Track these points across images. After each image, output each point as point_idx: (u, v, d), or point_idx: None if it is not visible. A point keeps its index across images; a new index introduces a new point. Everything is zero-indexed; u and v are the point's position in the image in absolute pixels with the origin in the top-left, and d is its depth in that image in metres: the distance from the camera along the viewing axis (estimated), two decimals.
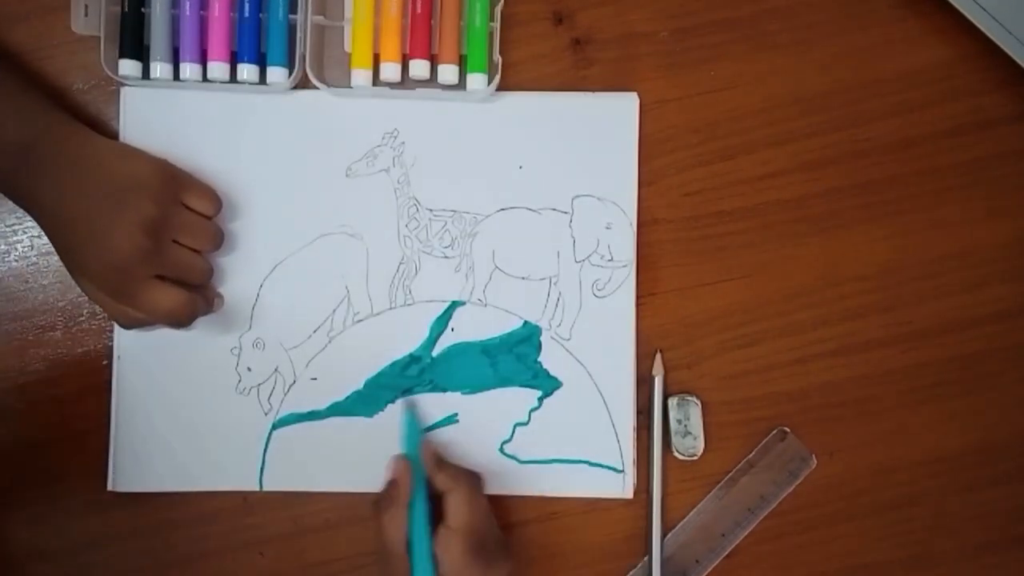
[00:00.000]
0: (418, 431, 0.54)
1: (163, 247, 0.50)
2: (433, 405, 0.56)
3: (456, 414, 0.56)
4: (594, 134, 0.56)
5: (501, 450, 0.56)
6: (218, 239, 0.54)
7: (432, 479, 0.52)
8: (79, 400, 0.56)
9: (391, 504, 0.51)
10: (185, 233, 0.52)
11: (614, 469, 0.56)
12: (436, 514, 0.51)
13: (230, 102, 0.55)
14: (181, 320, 0.51)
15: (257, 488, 0.56)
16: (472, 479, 0.52)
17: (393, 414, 0.56)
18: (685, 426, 0.55)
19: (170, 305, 0.50)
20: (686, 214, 0.57)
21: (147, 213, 0.49)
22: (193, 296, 0.51)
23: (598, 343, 0.56)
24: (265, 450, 0.56)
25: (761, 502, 0.55)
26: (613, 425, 0.56)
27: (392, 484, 0.52)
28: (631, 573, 0.56)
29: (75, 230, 0.50)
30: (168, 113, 0.55)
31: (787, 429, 0.56)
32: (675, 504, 0.56)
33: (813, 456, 0.56)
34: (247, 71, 0.54)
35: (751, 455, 0.56)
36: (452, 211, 0.56)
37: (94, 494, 0.55)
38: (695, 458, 0.56)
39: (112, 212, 0.49)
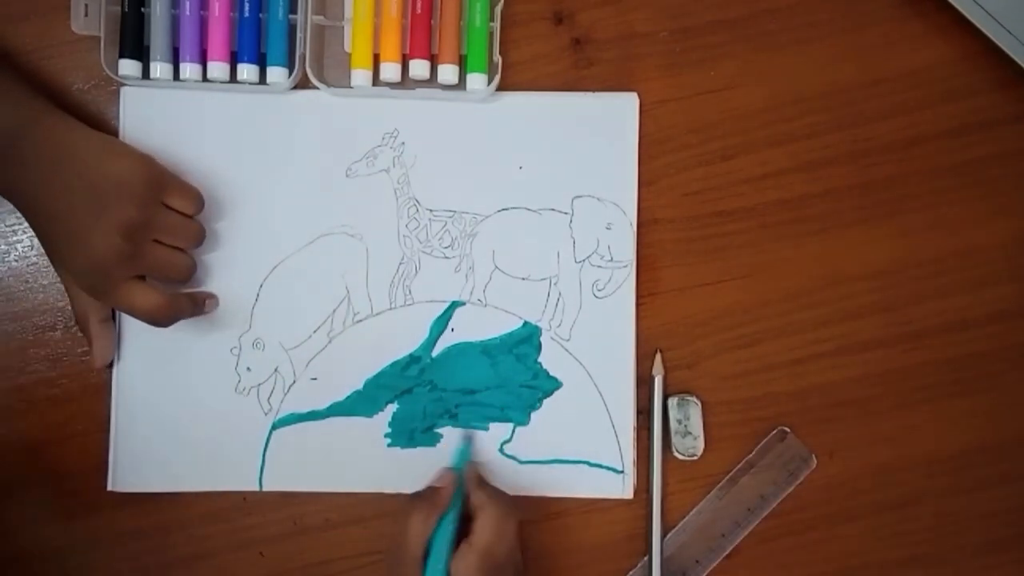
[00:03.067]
0: (469, 456, 0.55)
1: (142, 248, 0.50)
2: (433, 405, 0.56)
3: (456, 414, 0.56)
4: (594, 134, 0.56)
5: (501, 450, 0.56)
6: (199, 237, 0.54)
7: (470, 494, 0.52)
8: (79, 400, 0.56)
9: (426, 507, 0.50)
10: (166, 233, 0.52)
11: (614, 469, 0.56)
12: (462, 534, 0.51)
13: (230, 102, 0.55)
14: (159, 320, 0.51)
15: (257, 488, 0.56)
16: (507, 504, 0.51)
17: (391, 413, 0.56)
18: (685, 426, 0.55)
19: (148, 306, 0.50)
20: (686, 214, 0.57)
21: (127, 216, 0.49)
22: (172, 297, 0.51)
23: (598, 343, 0.56)
24: (265, 450, 0.56)
25: (761, 502, 0.55)
26: (613, 425, 0.56)
27: (432, 489, 0.52)
28: (631, 573, 0.56)
29: (55, 226, 0.50)
30: (168, 113, 0.55)
31: (787, 429, 0.56)
32: (675, 504, 0.56)
33: (813, 456, 0.56)
34: (247, 71, 0.54)
35: (751, 455, 0.56)
36: (452, 211, 0.56)
37: (94, 494, 0.55)
38: (695, 458, 0.56)
39: (92, 212, 0.48)
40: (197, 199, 0.53)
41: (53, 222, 0.50)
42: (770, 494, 0.56)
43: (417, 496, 0.52)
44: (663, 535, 0.56)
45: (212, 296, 0.55)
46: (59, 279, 0.54)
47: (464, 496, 0.52)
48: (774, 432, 0.56)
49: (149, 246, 0.51)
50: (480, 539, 0.50)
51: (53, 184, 0.49)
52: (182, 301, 0.52)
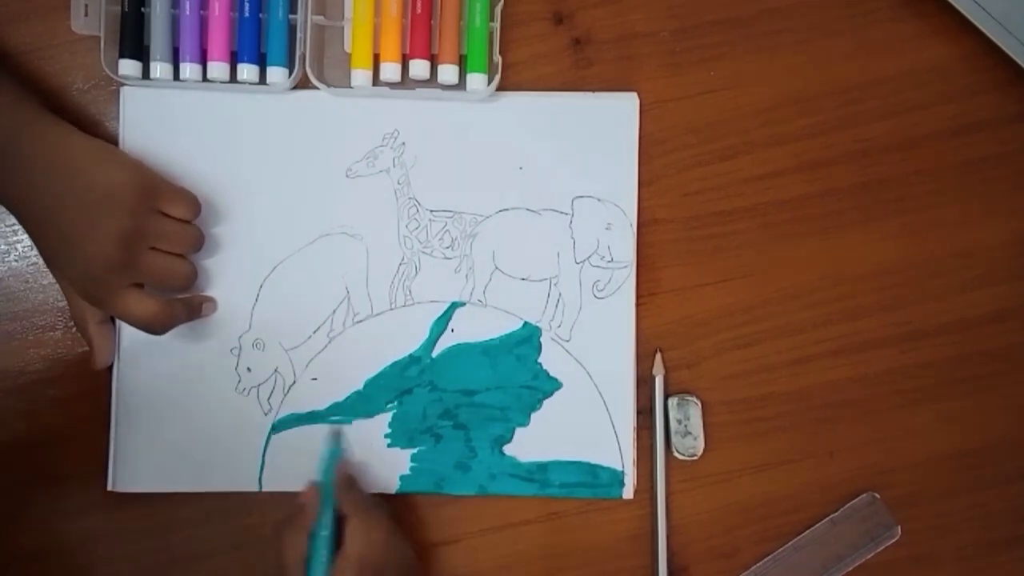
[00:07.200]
0: (336, 459, 0.54)
1: (138, 257, 0.50)
2: (433, 406, 0.56)
3: (456, 415, 0.56)
4: (594, 134, 0.56)
5: (501, 451, 0.56)
6: (198, 243, 0.53)
7: (339, 502, 0.51)
8: (79, 400, 0.56)
9: (292, 527, 0.50)
10: (162, 240, 0.51)
11: (614, 470, 0.56)
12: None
13: (230, 102, 0.55)
14: (155, 328, 0.51)
15: (257, 488, 0.55)
16: (370, 508, 0.51)
17: (391, 414, 0.56)
18: (685, 426, 0.55)
19: (144, 314, 0.50)
20: (686, 214, 0.57)
21: (122, 225, 0.49)
22: (169, 305, 0.51)
23: (598, 344, 0.56)
24: (265, 450, 0.56)
25: (837, 562, 0.55)
26: (613, 426, 0.56)
27: (298, 507, 0.51)
28: None
29: (50, 233, 0.50)
30: (168, 113, 0.55)
31: (877, 495, 0.56)
32: (675, 504, 0.56)
33: (898, 527, 0.56)
34: (247, 71, 0.54)
35: (835, 514, 0.56)
36: (452, 212, 0.56)
37: (94, 494, 0.55)
38: (695, 458, 0.56)
39: (86, 222, 0.48)
40: (192, 204, 0.53)
41: (47, 228, 0.50)
42: (847, 556, 0.55)
43: (282, 518, 0.51)
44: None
45: (210, 300, 0.55)
46: None
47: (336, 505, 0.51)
48: (863, 496, 0.56)
49: (146, 254, 0.51)
50: (352, 551, 0.49)
51: (45, 191, 0.49)
52: (178, 308, 0.52)
